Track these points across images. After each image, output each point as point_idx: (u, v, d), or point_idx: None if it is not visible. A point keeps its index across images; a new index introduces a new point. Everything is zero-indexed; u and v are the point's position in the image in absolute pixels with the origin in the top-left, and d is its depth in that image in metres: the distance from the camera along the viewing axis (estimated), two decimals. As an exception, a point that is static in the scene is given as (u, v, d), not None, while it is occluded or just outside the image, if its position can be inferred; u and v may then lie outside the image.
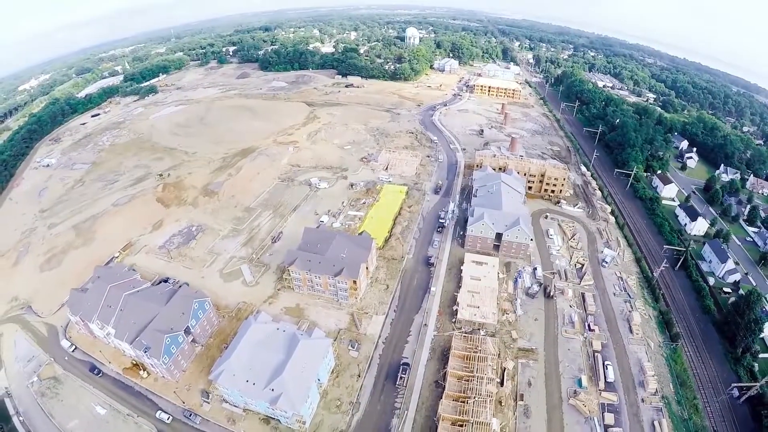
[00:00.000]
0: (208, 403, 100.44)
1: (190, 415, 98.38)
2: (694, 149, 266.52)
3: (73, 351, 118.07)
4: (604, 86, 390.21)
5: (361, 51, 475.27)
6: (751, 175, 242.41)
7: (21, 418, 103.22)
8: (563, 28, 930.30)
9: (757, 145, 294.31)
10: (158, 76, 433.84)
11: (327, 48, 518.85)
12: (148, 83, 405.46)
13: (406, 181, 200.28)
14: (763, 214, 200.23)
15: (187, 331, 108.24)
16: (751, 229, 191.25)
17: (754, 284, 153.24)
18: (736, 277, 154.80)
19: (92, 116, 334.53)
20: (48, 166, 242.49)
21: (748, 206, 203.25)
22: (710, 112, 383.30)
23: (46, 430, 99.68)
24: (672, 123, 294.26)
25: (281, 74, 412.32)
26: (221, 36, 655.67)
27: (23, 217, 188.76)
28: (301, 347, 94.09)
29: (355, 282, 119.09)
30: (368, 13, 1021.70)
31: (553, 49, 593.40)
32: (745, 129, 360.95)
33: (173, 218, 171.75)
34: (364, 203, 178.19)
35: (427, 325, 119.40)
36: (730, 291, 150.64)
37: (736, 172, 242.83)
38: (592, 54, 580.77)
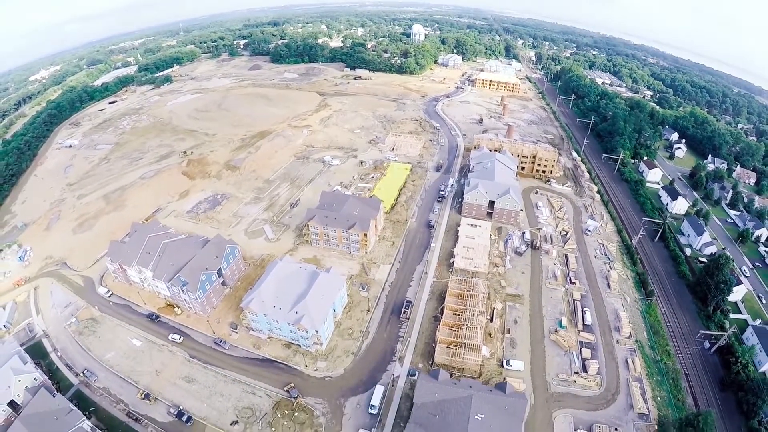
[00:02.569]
0: (236, 332, 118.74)
1: (220, 342, 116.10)
2: (683, 141, 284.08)
3: (109, 296, 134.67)
4: (602, 83, 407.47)
5: (369, 46, 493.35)
6: (738, 166, 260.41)
7: (59, 354, 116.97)
8: (568, 27, 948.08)
9: (749, 139, 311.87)
10: (172, 67, 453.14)
11: (335, 43, 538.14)
12: (162, 73, 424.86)
13: (410, 160, 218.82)
14: (746, 200, 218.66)
15: (219, 273, 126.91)
16: (732, 212, 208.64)
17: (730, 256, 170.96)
18: (712, 249, 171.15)
19: (109, 103, 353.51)
20: (71, 146, 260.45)
21: (731, 192, 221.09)
22: (706, 109, 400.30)
23: (83, 362, 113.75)
24: (664, 117, 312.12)
25: (292, 66, 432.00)
26: (230, 30, 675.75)
27: (50, 190, 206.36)
28: (321, 279, 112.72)
29: (365, 235, 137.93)
30: (375, 10, 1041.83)
31: (555, 48, 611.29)
32: (740, 126, 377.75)
33: (199, 188, 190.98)
34: (373, 177, 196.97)
35: (428, 273, 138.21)
36: (706, 261, 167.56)
37: (723, 162, 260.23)
38: (594, 53, 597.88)
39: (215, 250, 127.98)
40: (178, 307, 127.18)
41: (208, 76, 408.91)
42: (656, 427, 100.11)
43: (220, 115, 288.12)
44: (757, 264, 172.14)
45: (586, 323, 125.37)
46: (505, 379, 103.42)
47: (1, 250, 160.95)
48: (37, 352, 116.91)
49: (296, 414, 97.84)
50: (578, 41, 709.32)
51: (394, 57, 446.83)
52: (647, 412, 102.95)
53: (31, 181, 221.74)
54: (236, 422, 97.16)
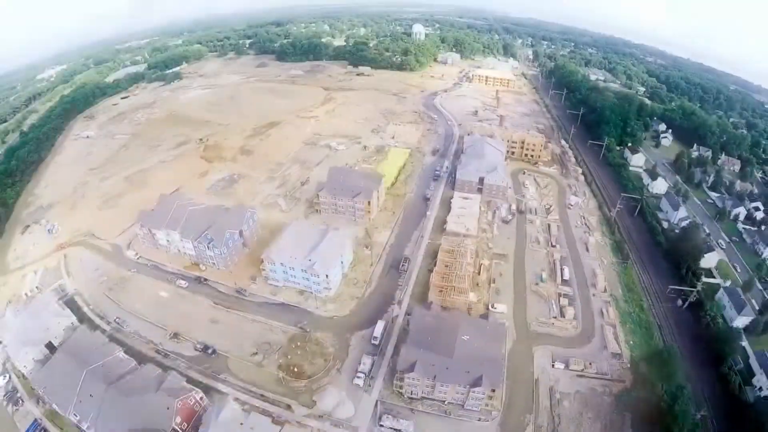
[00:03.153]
0: (255, 283, 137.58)
1: (241, 291, 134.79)
2: (670, 130, 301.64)
3: (137, 259, 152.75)
4: (596, 79, 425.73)
5: (371, 45, 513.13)
6: (723, 154, 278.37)
7: (90, 307, 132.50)
8: (568, 27, 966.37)
9: (738, 131, 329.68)
10: (180, 64, 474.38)
11: (338, 41, 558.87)
12: (172, 70, 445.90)
13: (409, 146, 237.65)
14: (727, 183, 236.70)
15: (240, 234, 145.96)
16: (713, 194, 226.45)
17: (707, 232, 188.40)
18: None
19: (122, 98, 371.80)
20: (88, 137, 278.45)
21: (713, 176, 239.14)
22: (698, 104, 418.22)
23: (115, 313, 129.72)
24: (653, 109, 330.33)
25: (297, 64, 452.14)
26: (235, 30, 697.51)
27: (73, 174, 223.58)
28: (330, 235, 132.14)
29: (369, 203, 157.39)
30: (377, 10, 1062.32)
31: (553, 47, 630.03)
32: (731, 120, 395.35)
33: (216, 170, 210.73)
34: (375, 160, 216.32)
35: (423, 237, 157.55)
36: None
37: (708, 151, 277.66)
38: (591, 51, 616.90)
39: (237, 214, 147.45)
40: (203, 265, 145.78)
41: (217, 73, 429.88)
42: (629, 365, 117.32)
43: (231, 107, 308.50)
44: (734, 239, 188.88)
45: (564, 278, 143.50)
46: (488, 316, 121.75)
47: (28, 226, 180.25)
48: (70, 308, 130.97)
49: (308, 345, 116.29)
50: (577, 40, 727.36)
51: (395, 55, 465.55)
52: (620, 352, 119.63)
53: (51, 168, 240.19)
54: (256, 353, 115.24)
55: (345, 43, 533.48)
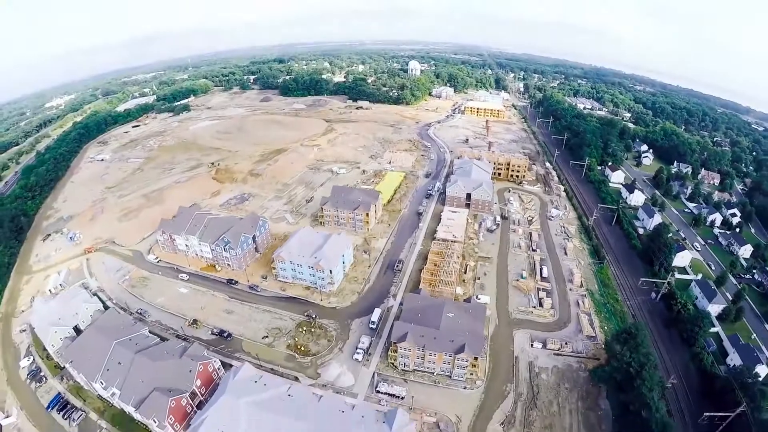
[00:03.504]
0: (266, 281, 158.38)
1: (253, 287, 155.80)
2: (650, 150, 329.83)
3: (157, 262, 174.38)
4: (583, 108, 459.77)
5: (369, 80, 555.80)
6: (702, 169, 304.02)
7: (114, 302, 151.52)
8: (561, 60, 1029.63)
9: (722, 149, 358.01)
10: (188, 97, 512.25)
11: (338, 78, 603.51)
12: (180, 102, 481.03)
13: (404, 170, 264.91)
14: (705, 194, 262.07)
15: (254, 239, 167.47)
16: (691, 204, 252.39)
17: (683, 236, 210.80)
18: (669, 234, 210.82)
19: (133, 127, 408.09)
20: (102, 160, 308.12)
21: (690, 188, 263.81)
22: (683, 126, 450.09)
23: (137, 305, 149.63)
24: (636, 132, 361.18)
25: (300, 98, 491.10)
26: (239, 66, 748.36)
27: (90, 192, 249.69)
28: (333, 238, 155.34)
29: (367, 215, 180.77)
30: (374, 48, 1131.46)
31: (544, 79, 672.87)
32: (716, 139, 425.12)
33: (228, 189, 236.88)
34: (373, 181, 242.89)
35: (416, 244, 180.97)
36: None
37: (688, 167, 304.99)
38: (580, 82, 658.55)
39: (250, 222, 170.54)
40: (218, 264, 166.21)
41: (224, 106, 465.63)
42: (603, 346, 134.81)
43: (240, 136, 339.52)
44: (710, 242, 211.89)
45: (543, 276, 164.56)
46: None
47: (49, 234, 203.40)
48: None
49: (314, 329, 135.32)
50: (568, 73, 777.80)
51: (392, 90, 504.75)
52: (594, 335, 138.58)
53: (69, 187, 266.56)
54: (266, 337, 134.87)
55: (345, 79, 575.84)
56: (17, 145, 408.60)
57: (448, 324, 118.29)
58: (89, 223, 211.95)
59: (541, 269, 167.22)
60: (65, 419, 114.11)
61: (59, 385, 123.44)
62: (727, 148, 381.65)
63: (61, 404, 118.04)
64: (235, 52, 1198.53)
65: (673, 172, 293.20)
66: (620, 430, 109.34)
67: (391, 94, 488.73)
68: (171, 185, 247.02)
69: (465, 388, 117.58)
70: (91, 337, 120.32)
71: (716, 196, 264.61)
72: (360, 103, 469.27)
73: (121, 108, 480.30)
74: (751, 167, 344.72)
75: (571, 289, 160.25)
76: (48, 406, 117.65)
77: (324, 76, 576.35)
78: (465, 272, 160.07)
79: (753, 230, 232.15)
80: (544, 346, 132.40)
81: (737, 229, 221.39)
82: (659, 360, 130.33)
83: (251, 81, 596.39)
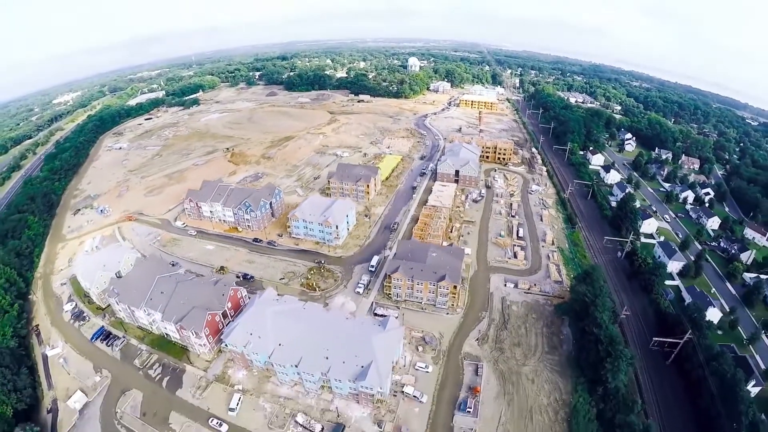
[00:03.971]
0: (281, 237, 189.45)
1: (271, 243, 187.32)
2: (633, 138, 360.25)
3: (184, 227, 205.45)
4: (575, 101, 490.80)
5: (370, 76, 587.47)
6: (683, 155, 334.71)
7: (146, 256, 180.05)
8: (561, 58, 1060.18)
9: (705, 137, 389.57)
10: (197, 92, 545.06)
11: (341, 74, 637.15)
12: (189, 97, 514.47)
13: (402, 153, 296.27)
14: (681, 176, 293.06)
15: (270, 205, 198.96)
16: (666, 184, 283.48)
17: (655, 210, 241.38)
18: (636, 203, 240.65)
19: (145, 119, 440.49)
20: (121, 148, 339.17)
21: (666, 170, 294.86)
22: (673, 118, 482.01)
23: (169, 259, 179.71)
24: (621, 122, 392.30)
25: (304, 93, 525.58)
26: (243, 63, 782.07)
27: (113, 175, 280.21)
28: (339, 202, 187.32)
29: (368, 186, 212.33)
30: (375, 46, 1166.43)
31: (540, 75, 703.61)
32: (705, 130, 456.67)
33: (243, 170, 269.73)
34: (373, 163, 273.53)
35: (409, 210, 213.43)
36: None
37: (668, 153, 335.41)
38: (575, 78, 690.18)
39: (267, 191, 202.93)
40: (240, 227, 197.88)
41: (232, 100, 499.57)
42: (568, 289, 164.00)
43: (250, 126, 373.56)
44: (680, 215, 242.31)
45: (519, 236, 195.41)
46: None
47: (79, 209, 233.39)
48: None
49: (323, 272, 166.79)
50: (566, 69, 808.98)
51: (392, 85, 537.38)
52: (561, 280, 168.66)
53: (91, 171, 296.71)
54: (283, 279, 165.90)
55: (347, 75, 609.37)
56: (30, 138, 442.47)
57: (433, 261, 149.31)
58: (116, 199, 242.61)
59: (518, 231, 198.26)
60: (108, 346, 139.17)
61: (101, 321, 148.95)
62: (711, 138, 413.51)
63: (104, 335, 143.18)
64: (236, 51, 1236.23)
65: (653, 156, 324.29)
66: (578, 348, 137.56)
67: (391, 88, 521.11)
68: (190, 167, 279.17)
69: (447, 313, 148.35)
70: (135, 275, 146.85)
71: (692, 178, 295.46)
72: (361, 96, 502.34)
73: (132, 102, 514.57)
74: (735, 156, 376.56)
75: (543, 246, 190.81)
76: (92, 338, 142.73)
77: (327, 72, 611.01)
78: (451, 231, 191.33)
79: (727, 209, 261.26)
80: (516, 286, 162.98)
81: (708, 206, 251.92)
82: (619, 305, 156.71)
83: (256, 77, 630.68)
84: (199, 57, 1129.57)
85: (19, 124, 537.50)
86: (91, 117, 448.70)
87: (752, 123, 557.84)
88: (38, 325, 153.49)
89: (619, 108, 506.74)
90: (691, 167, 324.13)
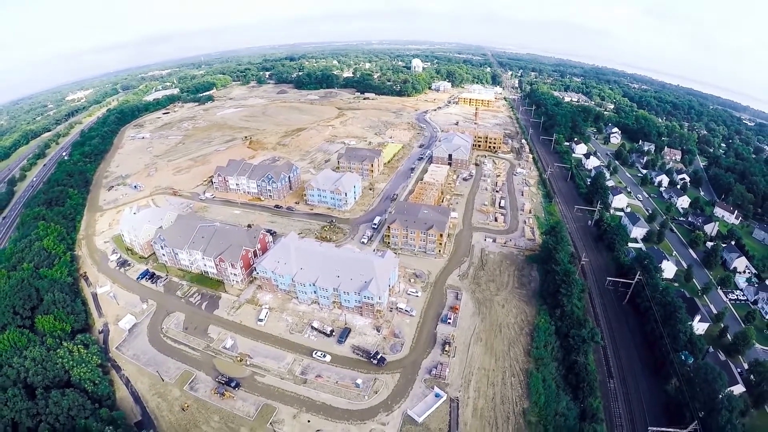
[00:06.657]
0: (298, 204, 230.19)
1: (290, 208, 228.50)
2: (619, 131, 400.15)
3: (213, 198, 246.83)
4: (570, 100, 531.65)
5: (375, 76, 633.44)
6: (666, 147, 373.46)
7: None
8: (563, 60, 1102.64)
9: (690, 132, 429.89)
10: (210, 89, 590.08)
11: (347, 74, 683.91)
12: (204, 94, 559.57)
13: (402, 142, 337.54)
14: (660, 164, 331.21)
15: (289, 179, 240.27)
16: (643, 170, 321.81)
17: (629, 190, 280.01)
18: (611, 184, 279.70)
19: (163, 113, 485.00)
20: (144, 138, 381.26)
21: (645, 158, 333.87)
22: (664, 117, 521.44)
23: (197, 224, 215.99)
24: (609, 118, 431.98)
25: (313, 91, 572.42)
26: (252, 63, 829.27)
27: (141, 159, 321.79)
28: (347, 175, 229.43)
29: (372, 165, 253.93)
30: (380, 48, 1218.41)
31: (540, 77, 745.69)
32: (695, 128, 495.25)
33: (261, 155, 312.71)
34: (377, 150, 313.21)
35: (407, 186, 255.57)
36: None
37: (651, 145, 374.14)
38: (574, 79, 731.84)
39: (286, 166, 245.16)
40: (262, 197, 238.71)
41: (245, 97, 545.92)
42: (539, 245, 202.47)
43: (264, 119, 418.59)
44: (653, 196, 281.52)
45: (501, 206, 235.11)
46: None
47: (113, 186, 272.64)
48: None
49: (334, 228, 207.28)
50: (566, 71, 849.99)
51: (396, 84, 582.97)
52: (534, 239, 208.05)
53: (118, 156, 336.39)
54: (300, 233, 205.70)
55: (353, 75, 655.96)
56: (49, 131, 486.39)
57: (423, 216, 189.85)
58: (147, 178, 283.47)
59: (500, 202, 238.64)
60: (153, 284, 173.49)
61: (145, 266, 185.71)
62: (695, 132, 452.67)
63: (148, 275, 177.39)
64: (242, 51, 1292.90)
65: (636, 147, 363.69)
66: (542, 284, 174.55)
67: (395, 87, 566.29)
68: (212, 152, 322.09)
69: (435, 258, 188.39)
70: (178, 227, 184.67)
71: (671, 164, 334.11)
72: (367, 94, 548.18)
73: (149, 98, 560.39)
74: (720, 149, 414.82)
75: (521, 214, 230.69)
76: (138, 278, 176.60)
77: (334, 72, 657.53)
78: (442, 201, 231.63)
79: (702, 192, 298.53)
80: (494, 241, 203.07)
81: (682, 189, 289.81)
82: (585, 258, 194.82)
83: (267, 76, 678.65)
84: (207, 58, 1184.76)
85: (36, 119, 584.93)
86: (111, 110, 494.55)
87: (748, 123, 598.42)
88: (86, 272, 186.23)
89: (612, 107, 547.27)
90: (673, 158, 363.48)
